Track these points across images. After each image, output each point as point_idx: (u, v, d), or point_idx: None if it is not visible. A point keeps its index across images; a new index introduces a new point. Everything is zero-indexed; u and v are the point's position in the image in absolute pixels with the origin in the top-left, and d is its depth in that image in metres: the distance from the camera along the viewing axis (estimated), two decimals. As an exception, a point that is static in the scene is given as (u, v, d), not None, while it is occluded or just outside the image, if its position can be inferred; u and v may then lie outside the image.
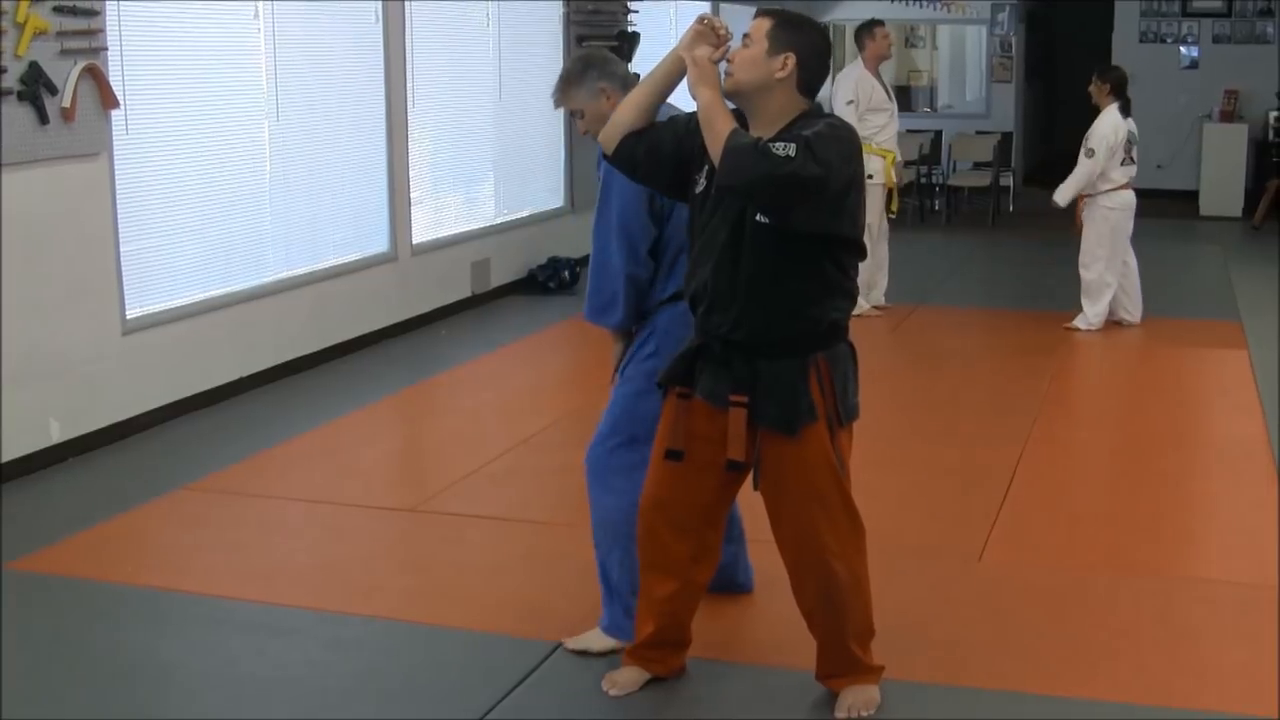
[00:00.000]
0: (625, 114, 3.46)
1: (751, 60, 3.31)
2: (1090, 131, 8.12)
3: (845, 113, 8.09)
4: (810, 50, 3.33)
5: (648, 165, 3.46)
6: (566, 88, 3.89)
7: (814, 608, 3.52)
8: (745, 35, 3.35)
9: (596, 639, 3.91)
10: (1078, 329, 8.21)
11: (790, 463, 3.37)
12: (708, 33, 3.35)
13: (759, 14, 3.35)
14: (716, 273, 3.35)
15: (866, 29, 8.48)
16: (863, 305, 8.25)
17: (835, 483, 3.41)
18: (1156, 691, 3.72)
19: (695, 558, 3.58)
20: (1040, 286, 9.53)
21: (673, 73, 3.43)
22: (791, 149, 3.11)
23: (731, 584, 4.24)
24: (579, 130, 3.95)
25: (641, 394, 3.76)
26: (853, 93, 8.35)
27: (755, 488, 3.44)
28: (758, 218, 3.27)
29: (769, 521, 3.50)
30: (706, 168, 3.38)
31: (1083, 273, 8.25)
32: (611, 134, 3.47)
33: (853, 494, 3.46)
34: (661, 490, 3.51)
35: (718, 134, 3.21)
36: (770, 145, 3.14)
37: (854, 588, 3.48)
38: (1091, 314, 8.21)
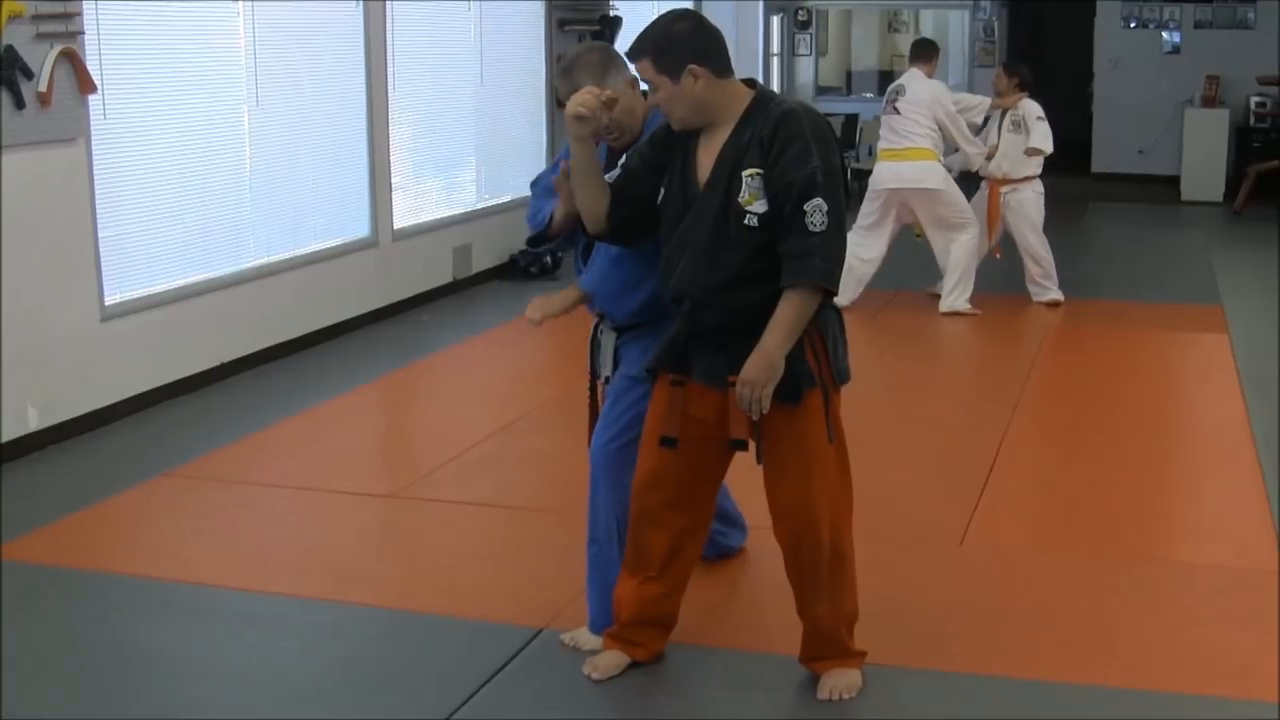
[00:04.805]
0: (589, 205, 3.51)
1: (670, 98, 3.36)
2: (1028, 119, 8.56)
3: (958, 120, 8.23)
4: (697, 45, 3.35)
5: (645, 220, 3.52)
6: (608, 71, 3.64)
7: (804, 583, 3.53)
8: (647, 83, 3.39)
9: (586, 638, 3.85)
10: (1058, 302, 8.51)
11: (791, 430, 3.38)
12: (582, 112, 3.40)
13: (632, 57, 3.38)
14: (698, 271, 3.37)
15: (930, 49, 8.51)
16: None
17: (829, 448, 3.43)
18: (1139, 675, 3.73)
19: (688, 530, 3.60)
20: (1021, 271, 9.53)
21: (590, 154, 3.49)
22: (823, 208, 3.21)
23: (726, 550, 4.36)
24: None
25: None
26: (956, 95, 8.52)
27: (759, 461, 3.44)
28: (746, 221, 3.30)
29: (766, 495, 3.50)
30: (667, 178, 3.45)
31: (1041, 255, 8.50)
32: (596, 223, 3.53)
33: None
34: (656, 472, 3.52)
35: (800, 317, 3.27)
36: (808, 223, 3.21)
37: (839, 559, 3.49)
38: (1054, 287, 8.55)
